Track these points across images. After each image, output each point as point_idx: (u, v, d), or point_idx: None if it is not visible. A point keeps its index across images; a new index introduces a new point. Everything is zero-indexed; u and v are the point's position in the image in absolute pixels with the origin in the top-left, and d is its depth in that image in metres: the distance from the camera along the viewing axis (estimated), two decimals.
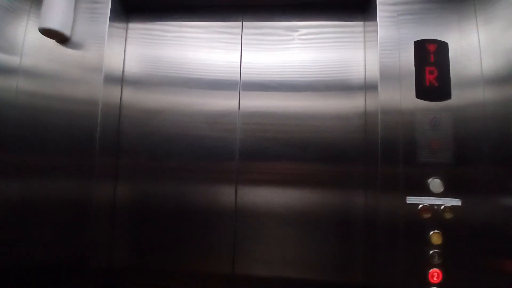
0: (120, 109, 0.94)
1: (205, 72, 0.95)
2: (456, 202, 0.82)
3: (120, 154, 0.92)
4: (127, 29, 0.99)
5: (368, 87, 0.94)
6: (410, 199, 0.82)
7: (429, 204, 0.82)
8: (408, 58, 0.86)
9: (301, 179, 0.92)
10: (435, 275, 0.81)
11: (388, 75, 0.86)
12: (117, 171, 0.92)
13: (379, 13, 0.88)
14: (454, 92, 0.84)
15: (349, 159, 0.93)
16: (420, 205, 0.82)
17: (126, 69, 0.98)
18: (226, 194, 0.91)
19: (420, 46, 0.86)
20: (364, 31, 0.98)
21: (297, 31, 0.99)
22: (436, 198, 0.82)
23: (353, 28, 0.99)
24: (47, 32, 0.87)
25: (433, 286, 0.81)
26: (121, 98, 0.95)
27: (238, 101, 0.95)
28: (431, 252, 0.81)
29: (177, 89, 0.95)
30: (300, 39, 0.99)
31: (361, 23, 0.99)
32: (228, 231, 0.91)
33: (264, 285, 0.91)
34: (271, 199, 0.91)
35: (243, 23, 1.01)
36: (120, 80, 0.95)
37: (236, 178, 0.92)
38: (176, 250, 0.91)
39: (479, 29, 0.87)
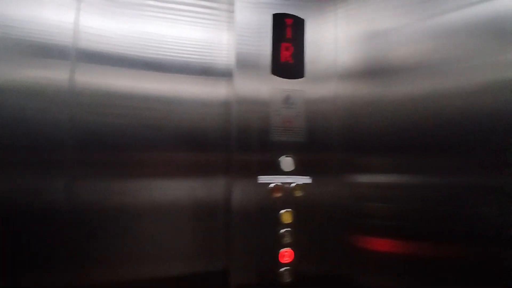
0: None
1: (27, 33, 0.75)
2: (307, 180, 0.82)
3: None
4: None
5: (228, 69, 0.87)
6: (262, 179, 0.79)
7: (281, 183, 0.80)
8: (267, 38, 0.83)
9: (153, 170, 0.79)
10: (286, 255, 0.81)
11: (246, 56, 0.81)
12: None
13: None
14: (308, 71, 0.84)
15: (210, 145, 0.83)
16: (272, 184, 0.80)
17: None
18: (59, 191, 0.73)
19: (278, 20, 0.83)
20: (228, 10, 0.90)
21: None
22: (287, 177, 0.81)
23: (218, 4, 0.89)
24: None
25: (285, 266, 0.80)
26: None
27: (71, 75, 0.76)
28: (282, 231, 0.80)
29: None
30: (157, 6, 0.86)
31: None
32: (65, 235, 0.74)
33: None
34: (118, 193, 0.76)
35: None
36: None
37: (70, 170, 0.74)
38: None
39: (338, 8, 0.88)
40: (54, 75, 0.74)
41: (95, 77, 0.77)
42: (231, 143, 0.80)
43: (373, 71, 0.83)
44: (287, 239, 0.80)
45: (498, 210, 0.60)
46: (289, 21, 0.84)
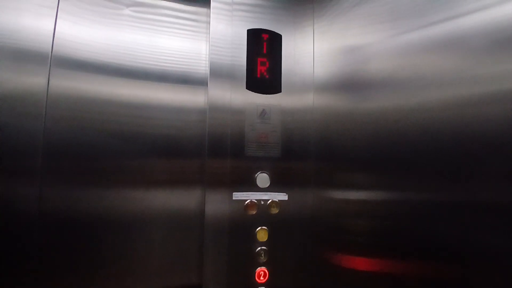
0: None
1: (6, 39, 0.73)
2: (283, 196, 0.81)
3: None
4: None
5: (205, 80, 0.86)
6: (237, 195, 0.77)
7: (256, 200, 0.78)
8: (242, 51, 0.82)
9: (128, 178, 0.77)
10: (261, 274, 0.78)
11: (219, 69, 0.81)
12: None
13: (213, 3, 0.82)
14: (285, 86, 0.84)
15: (188, 155, 0.82)
16: (247, 201, 0.78)
17: None
18: (27, 199, 0.70)
19: (253, 36, 0.83)
20: (207, 22, 0.90)
21: (129, 5, 0.85)
22: (263, 193, 0.79)
23: (197, 16, 0.89)
24: None
25: (261, 286, 0.78)
26: None
27: (47, 80, 0.75)
28: (257, 249, 0.78)
29: None
30: (133, 16, 0.85)
31: (205, 11, 0.91)
32: (31, 247, 0.70)
33: None
34: (91, 202, 0.74)
35: None
36: None
37: (40, 178, 0.71)
38: None
39: (315, 24, 0.89)
40: (33, 80, 0.74)
41: (69, 82, 0.76)
42: (205, 151, 0.79)
43: (351, 86, 0.83)
44: (263, 258, 0.78)
45: (476, 228, 0.59)
46: (265, 36, 0.84)
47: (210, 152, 0.77)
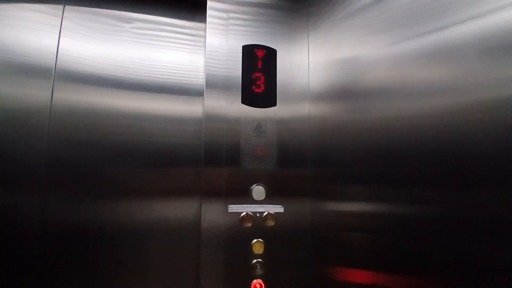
0: None
1: (11, 55, 0.77)
2: (278, 209, 0.81)
3: None
4: None
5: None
6: (232, 208, 0.78)
7: (252, 212, 0.79)
8: (237, 64, 0.85)
9: (128, 189, 0.79)
10: (257, 286, 0.78)
11: (214, 82, 0.83)
12: None
13: (208, 19, 0.84)
14: (280, 99, 0.85)
15: (185, 166, 0.84)
16: (243, 213, 0.78)
17: None
18: (30, 211, 0.73)
19: (248, 52, 0.85)
20: (204, 36, 0.94)
21: (129, 22, 0.88)
22: (258, 206, 0.80)
23: (195, 30, 0.92)
24: None
25: None
26: None
27: (51, 93, 0.78)
28: (253, 262, 0.78)
29: None
30: (132, 32, 0.88)
31: (203, 26, 0.94)
32: (34, 254, 0.72)
33: None
34: (91, 214, 0.77)
35: (65, 6, 0.85)
36: None
37: (43, 189, 0.74)
38: None
39: (310, 36, 0.90)
40: (37, 93, 0.78)
41: (72, 95, 0.80)
42: (201, 162, 0.81)
43: (347, 97, 0.83)
44: (259, 270, 0.78)
45: (476, 244, 0.56)
46: (260, 52, 0.85)
47: (206, 163, 0.79)
